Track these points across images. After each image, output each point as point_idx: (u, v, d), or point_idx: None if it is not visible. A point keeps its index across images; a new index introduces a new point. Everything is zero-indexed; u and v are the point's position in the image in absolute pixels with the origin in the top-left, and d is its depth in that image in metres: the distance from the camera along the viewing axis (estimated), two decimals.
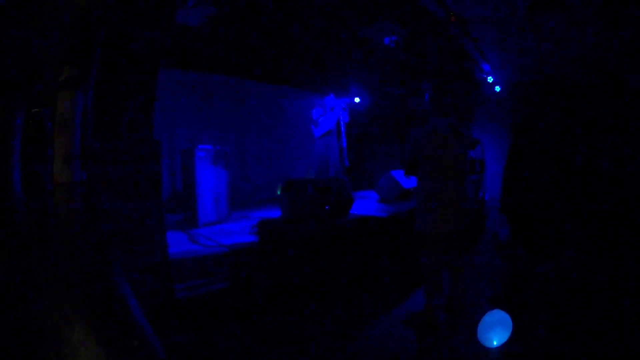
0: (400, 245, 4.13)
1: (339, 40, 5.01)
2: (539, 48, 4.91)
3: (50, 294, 0.88)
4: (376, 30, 4.77)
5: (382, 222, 4.10)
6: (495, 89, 6.39)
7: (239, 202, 5.48)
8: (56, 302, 0.85)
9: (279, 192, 3.55)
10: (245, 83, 6.07)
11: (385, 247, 3.97)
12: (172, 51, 4.57)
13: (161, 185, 2.36)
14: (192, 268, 2.71)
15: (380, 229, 4.02)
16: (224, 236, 3.44)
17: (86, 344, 0.71)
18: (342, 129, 5.34)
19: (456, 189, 2.42)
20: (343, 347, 2.31)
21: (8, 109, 1.32)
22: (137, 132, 2.23)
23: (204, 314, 2.46)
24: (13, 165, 1.30)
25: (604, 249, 3.47)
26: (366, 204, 5.29)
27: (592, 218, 3.82)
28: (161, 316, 2.21)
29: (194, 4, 3.59)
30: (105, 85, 1.98)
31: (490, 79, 6.26)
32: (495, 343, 2.15)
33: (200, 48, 4.76)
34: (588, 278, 3.13)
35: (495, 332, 2.15)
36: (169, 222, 3.91)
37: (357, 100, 6.60)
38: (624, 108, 4.37)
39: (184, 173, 4.15)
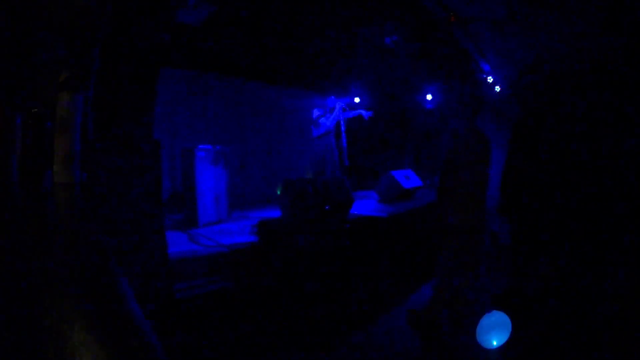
0: (400, 245, 4.13)
1: (339, 40, 5.01)
2: (538, 48, 4.91)
3: (50, 294, 0.88)
4: (376, 30, 4.76)
5: (382, 222, 4.10)
6: (495, 89, 6.40)
7: (239, 202, 5.48)
8: (56, 302, 0.85)
9: (279, 192, 3.55)
10: (246, 83, 6.07)
11: (385, 247, 3.97)
12: (172, 51, 4.57)
13: (161, 185, 2.36)
14: (192, 268, 2.71)
15: (380, 229, 4.02)
16: (224, 236, 3.44)
17: (86, 344, 0.71)
18: (342, 128, 5.34)
19: (484, 186, 2.60)
20: (344, 347, 2.31)
21: (8, 109, 1.32)
22: (137, 132, 2.22)
23: (204, 314, 2.46)
24: (13, 165, 1.30)
25: (604, 249, 3.47)
26: (366, 204, 5.29)
27: (593, 218, 3.81)
28: (161, 316, 2.21)
29: (194, 3, 3.59)
30: (105, 85, 1.98)
31: (490, 79, 6.26)
32: (494, 344, 2.15)
33: (201, 48, 4.75)
34: (588, 278, 3.13)
35: (495, 333, 2.15)
36: (169, 222, 3.91)
37: (357, 100, 6.60)
38: (624, 107, 4.37)
39: (184, 173, 4.14)
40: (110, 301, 0.95)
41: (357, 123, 5.68)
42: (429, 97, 7.05)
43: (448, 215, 2.50)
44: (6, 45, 1.33)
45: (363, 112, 5.51)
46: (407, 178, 5.53)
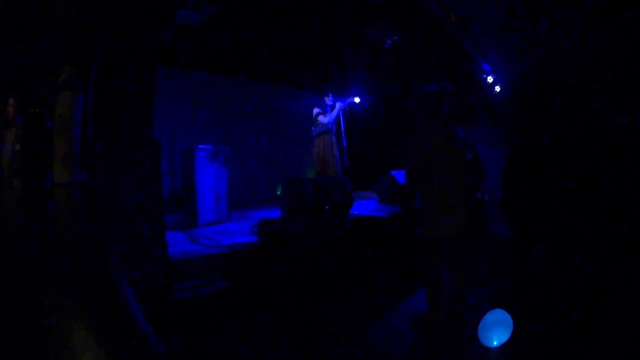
0: (400, 245, 4.13)
1: (339, 40, 5.01)
2: (538, 49, 4.91)
3: (50, 294, 0.88)
4: (376, 30, 4.77)
5: (382, 222, 4.10)
6: (495, 89, 6.40)
7: (239, 202, 5.48)
8: (56, 302, 0.85)
9: (279, 192, 3.55)
10: (245, 83, 6.08)
11: (385, 247, 3.97)
12: (172, 51, 4.57)
13: (161, 185, 2.36)
14: (192, 268, 2.71)
15: (380, 229, 4.02)
16: (224, 236, 3.44)
17: (86, 344, 0.71)
18: (342, 128, 5.33)
19: (462, 193, 2.40)
20: (344, 347, 2.31)
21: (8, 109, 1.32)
22: (137, 132, 2.22)
23: (204, 314, 2.46)
24: (14, 166, 1.30)
25: (604, 247, 3.47)
26: (366, 204, 5.29)
27: (593, 217, 3.81)
28: (161, 316, 2.21)
29: (194, 3, 3.59)
30: (105, 85, 1.98)
31: (490, 79, 6.26)
32: (495, 343, 2.14)
33: (200, 48, 4.76)
34: (589, 277, 3.13)
35: (496, 331, 2.15)
36: (169, 222, 3.90)
37: (357, 100, 6.60)
38: (623, 107, 4.37)
39: (184, 173, 4.14)
40: (110, 301, 0.95)
41: (357, 122, 5.67)
42: None
43: (433, 225, 2.38)
44: (6, 45, 1.33)
45: (353, 100, 5.48)
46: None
